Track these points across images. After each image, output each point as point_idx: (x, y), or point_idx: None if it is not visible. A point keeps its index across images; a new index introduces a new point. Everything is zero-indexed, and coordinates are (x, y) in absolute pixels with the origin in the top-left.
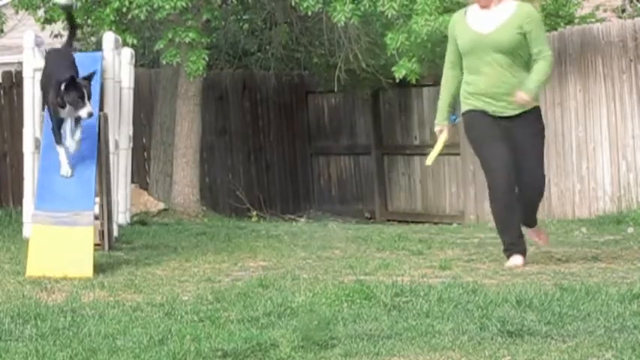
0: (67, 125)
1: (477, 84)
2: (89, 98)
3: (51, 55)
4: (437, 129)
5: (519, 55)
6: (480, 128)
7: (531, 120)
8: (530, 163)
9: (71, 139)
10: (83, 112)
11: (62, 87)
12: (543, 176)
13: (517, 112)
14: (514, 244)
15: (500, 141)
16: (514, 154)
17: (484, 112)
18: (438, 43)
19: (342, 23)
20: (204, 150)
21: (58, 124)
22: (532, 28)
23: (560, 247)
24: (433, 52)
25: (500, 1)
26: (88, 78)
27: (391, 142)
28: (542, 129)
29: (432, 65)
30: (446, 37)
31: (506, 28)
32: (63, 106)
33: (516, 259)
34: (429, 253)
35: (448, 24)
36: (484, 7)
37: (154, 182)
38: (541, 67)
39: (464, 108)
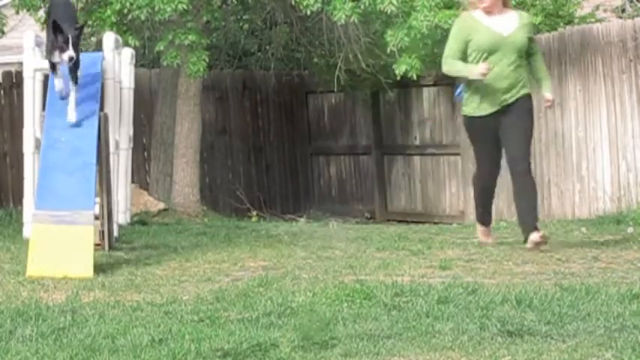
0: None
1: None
2: (74, 45)
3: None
4: (483, 69)
5: (523, 55)
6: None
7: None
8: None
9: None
10: (65, 55)
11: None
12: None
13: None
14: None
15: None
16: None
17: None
18: (437, 40)
19: (343, 22)
20: (204, 150)
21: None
22: (532, 32)
23: (560, 247)
24: (433, 49)
25: (503, 10)
26: (79, 28)
27: (391, 142)
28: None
29: (432, 64)
30: (445, 35)
31: (521, 31)
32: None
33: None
34: (429, 253)
35: (448, 20)
36: (489, 12)
37: (154, 182)
38: (543, 64)
39: (464, 110)
